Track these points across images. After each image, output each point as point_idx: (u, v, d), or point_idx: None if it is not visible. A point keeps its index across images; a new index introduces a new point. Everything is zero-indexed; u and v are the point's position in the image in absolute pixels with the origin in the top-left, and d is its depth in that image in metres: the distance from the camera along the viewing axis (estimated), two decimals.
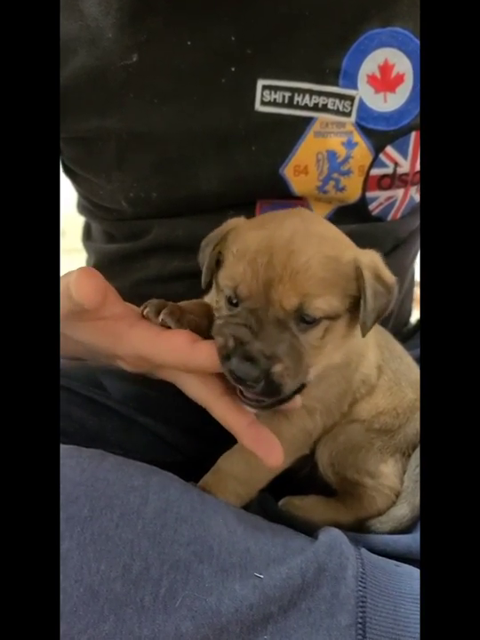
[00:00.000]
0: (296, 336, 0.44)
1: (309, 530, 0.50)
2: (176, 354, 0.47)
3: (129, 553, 0.41)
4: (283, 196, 0.62)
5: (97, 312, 0.47)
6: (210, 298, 0.57)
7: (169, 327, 0.48)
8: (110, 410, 0.66)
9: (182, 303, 0.52)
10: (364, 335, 0.47)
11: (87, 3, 0.58)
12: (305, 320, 0.44)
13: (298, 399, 0.49)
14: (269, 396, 0.44)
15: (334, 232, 0.49)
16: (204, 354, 0.46)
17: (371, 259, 0.48)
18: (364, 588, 0.43)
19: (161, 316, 0.47)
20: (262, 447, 0.47)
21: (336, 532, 0.48)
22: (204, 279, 0.51)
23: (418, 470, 0.56)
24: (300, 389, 0.48)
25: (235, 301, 0.46)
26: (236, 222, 0.51)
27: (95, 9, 0.58)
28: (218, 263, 0.50)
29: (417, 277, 0.88)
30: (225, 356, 0.44)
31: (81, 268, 0.45)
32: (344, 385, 0.54)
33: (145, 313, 0.49)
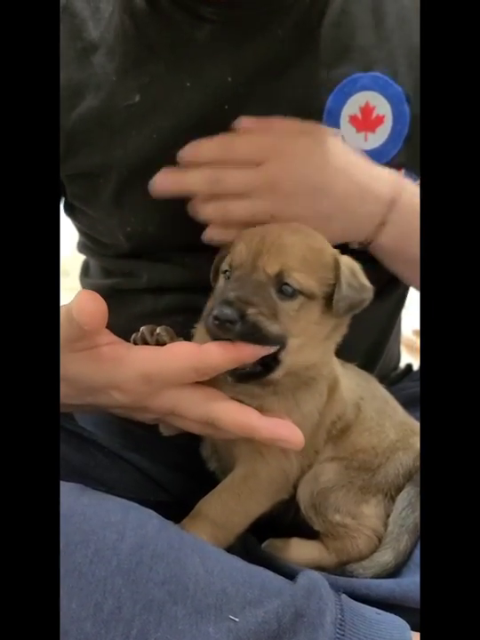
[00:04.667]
0: (272, 298, 0.49)
1: (291, 572, 0.49)
2: (186, 359, 0.48)
3: (101, 591, 0.40)
4: None
5: (94, 336, 0.48)
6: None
7: (164, 345, 0.50)
8: (95, 445, 0.65)
9: None
10: (335, 315, 0.52)
11: (97, 53, 0.63)
12: (283, 292, 0.49)
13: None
14: (249, 337, 0.47)
15: (322, 238, 0.54)
16: (215, 350, 0.47)
17: (350, 260, 0.53)
18: (343, 635, 0.42)
19: (157, 330, 0.51)
20: (281, 430, 0.48)
21: (316, 575, 0.47)
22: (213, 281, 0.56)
23: (403, 514, 0.55)
24: (279, 350, 0.49)
25: (228, 276, 0.52)
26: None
27: (103, 58, 0.62)
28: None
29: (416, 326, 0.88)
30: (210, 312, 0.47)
31: (83, 291, 0.47)
32: (316, 418, 0.54)
33: (140, 332, 0.52)
